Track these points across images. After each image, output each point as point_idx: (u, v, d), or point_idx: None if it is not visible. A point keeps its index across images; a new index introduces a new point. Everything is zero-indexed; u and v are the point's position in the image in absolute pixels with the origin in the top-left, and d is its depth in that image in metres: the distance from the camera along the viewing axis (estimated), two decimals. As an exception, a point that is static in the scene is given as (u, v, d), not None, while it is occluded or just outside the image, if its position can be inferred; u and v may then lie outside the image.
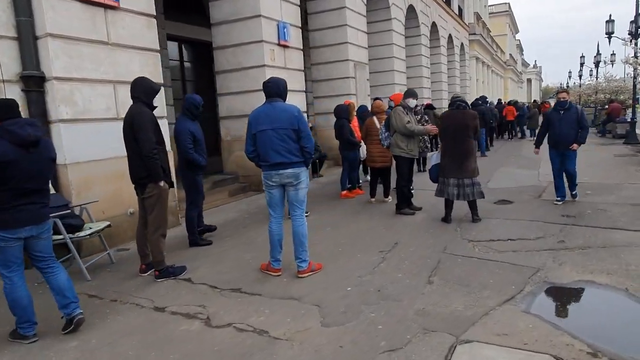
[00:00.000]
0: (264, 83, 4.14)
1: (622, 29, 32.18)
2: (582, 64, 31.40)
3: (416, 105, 6.80)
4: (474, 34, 30.98)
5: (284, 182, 4.05)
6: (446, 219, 5.70)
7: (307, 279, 4.07)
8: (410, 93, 6.40)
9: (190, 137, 5.12)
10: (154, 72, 5.84)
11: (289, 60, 9.10)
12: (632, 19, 15.27)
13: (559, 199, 6.57)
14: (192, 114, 5.24)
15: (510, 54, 58.11)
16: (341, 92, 12.13)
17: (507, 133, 19.09)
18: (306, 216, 4.44)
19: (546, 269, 3.97)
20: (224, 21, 8.60)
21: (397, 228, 5.61)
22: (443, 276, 3.93)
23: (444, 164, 5.59)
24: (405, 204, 6.36)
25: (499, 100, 19.90)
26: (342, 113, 7.69)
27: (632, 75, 16.34)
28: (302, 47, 9.62)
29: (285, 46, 8.96)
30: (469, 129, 5.46)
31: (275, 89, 4.06)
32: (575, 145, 6.35)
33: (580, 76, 34.13)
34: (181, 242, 5.43)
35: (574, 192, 6.66)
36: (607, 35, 17.86)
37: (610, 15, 17.62)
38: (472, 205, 5.63)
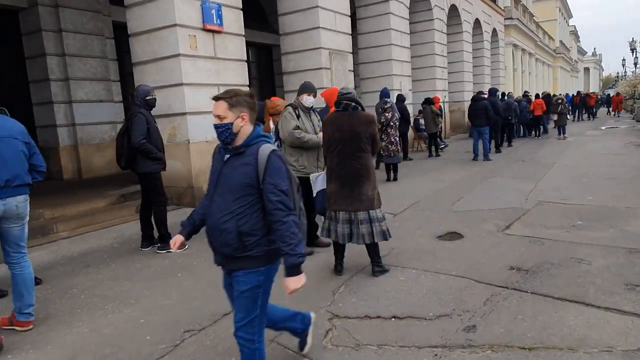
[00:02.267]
0: None
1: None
2: (632, 50, 27.66)
3: (320, 107, 5.12)
4: (510, 18, 28.00)
5: None
6: (336, 268, 4.00)
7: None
8: (305, 87, 4.73)
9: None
10: None
11: (221, 48, 7.56)
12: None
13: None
14: None
15: (561, 41, 53.41)
16: (317, 85, 10.43)
17: (534, 130, 16.61)
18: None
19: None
20: (137, 2, 7.19)
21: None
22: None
23: (330, 191, 3.89)
24: (307, 239, 4.70)
25: (525, 92, 17.38)
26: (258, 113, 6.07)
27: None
28: (243, 33, 8.05)
29: (215, 31, 7.43)
30: (361, 140, 3.73)
31: None
32: None
33: (635, 64, 30.21)
34: None
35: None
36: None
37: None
38: (372, 251, 3.90)
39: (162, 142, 5.16)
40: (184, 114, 7.04)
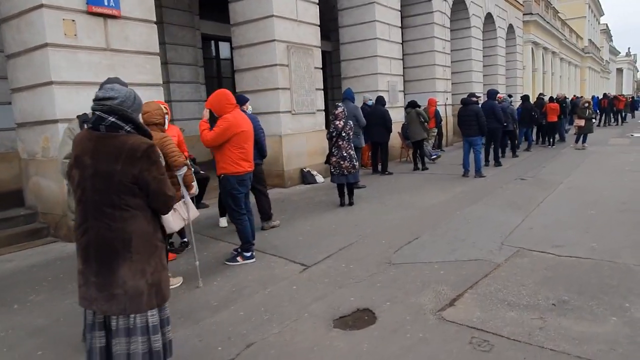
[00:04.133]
0: None
1: None
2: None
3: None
4: (530, 13, 25.64)
5: None
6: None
7: None
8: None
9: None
10: None
11: (118, 37, 5.93)
12: None
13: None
14: None
15: (590, 40, 50.13)
16: (268, 86, 8.77)
17: (548, 138, 14.46)
18: None
19: None
20: (3, -20, 5.65)
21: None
22: None
23: (78, 273, 2.17)
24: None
25: (540, 95, 15.22)
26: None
27: None
28: (153, 19, 6.41)
29: (108, 16, 5.81)
30: (116, 187, 2.00)
31: None
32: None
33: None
34: None
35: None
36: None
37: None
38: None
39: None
40: (56, 121, 5.43)
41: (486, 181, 8.60)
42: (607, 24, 67.30)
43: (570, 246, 4.55)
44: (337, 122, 6.70)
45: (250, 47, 8.84)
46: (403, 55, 15.54)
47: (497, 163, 10.48)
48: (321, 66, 9.81)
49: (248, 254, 4.50)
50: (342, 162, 6.69)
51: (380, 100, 9.81)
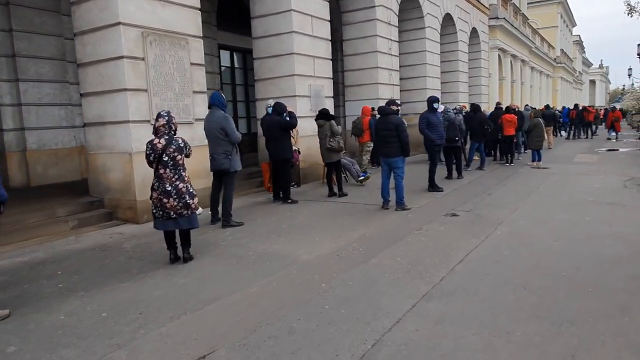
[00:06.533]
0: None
1: None
2: (640, 55, 23.48)
3: None
4: (496, 17, 23.98)
5: None
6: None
7: None
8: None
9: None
10: None
11: None
12: None
13: None
14: None
15: (563, 50, 49.25)
16: (113, 86, 6.47)
17: (504, 155, 12.46)
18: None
19: None
20: None
21: None
22: None
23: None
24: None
25: (498, 103, 13.28)
26: None
27: None
28: None
29: None
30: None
31: None
32: None
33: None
34: None
35: None
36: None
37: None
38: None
39: None
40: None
41: (405, 217, 6.44)
42: (579, 35, 67.03)
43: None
44: (155, 141, 4.43)
45: (92, 33, 6.53)
46: (342, 56, 13.52)
47: (433, 187, 8.35)
48: (203, 62, 7.54)
49: None
50: (165, 200, 4.42)
51: (277, 108, 7.61)
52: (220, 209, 6.30)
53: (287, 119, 7.49)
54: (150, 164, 4.50)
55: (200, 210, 4.83)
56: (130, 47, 6.34)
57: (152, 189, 4.52)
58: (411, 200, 7.35)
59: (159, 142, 4.40)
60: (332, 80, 10.96)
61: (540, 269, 4.15)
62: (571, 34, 60.79)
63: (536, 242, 5.01)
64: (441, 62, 17.63)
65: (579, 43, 67.52)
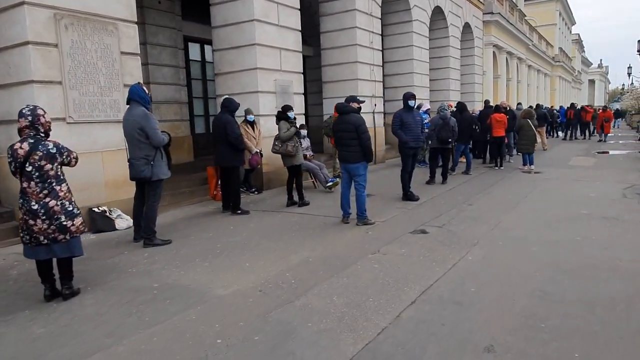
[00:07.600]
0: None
1: None
2: (641, 52, 22.46)
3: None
4: (491, 13, 22.95)
5: None
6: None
7: None
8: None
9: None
10: None
11: None
12: None
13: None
14: None
15: (561, 48, 48.18)
16: (20, 78, 5.46)
17: (494, 158, 11.45)
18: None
19: None
20: None
21: None
22: None
23: None
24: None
25: (487, 102, 12.26)
26: None
27: None
28: None
29: None
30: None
31: None
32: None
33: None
34: None
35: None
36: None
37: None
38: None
39: None
40: None
41: (364, 235, 5.43)
42: (579, 34, 65.91)
43: None
44: (16, 146, 3.42)
45: (-4, 14, 5.53)
46: (320, 50, 12.50)
47: (407, 196, 7.34)
48: (138, 51, 6.52)
49: None
50: (31, 222, 3.41)
51: (228, 105, 6.61)
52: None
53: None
54: (13, 174, 3.49)
55: (88, 233, 3.82)
56: (37, 30, 5.33)
57: (19, 208, 3.51)
58: (378, 211, 6.36)
59: (20, 148, 3.39)
60: (302, 75, 9.93)
61: (512, 317, 3.16)
62: (570, 32, 59.70)
63: (513, 274, 4.01)
64: (431, 58, 16.61)
65: (579, 42, 66.42)
